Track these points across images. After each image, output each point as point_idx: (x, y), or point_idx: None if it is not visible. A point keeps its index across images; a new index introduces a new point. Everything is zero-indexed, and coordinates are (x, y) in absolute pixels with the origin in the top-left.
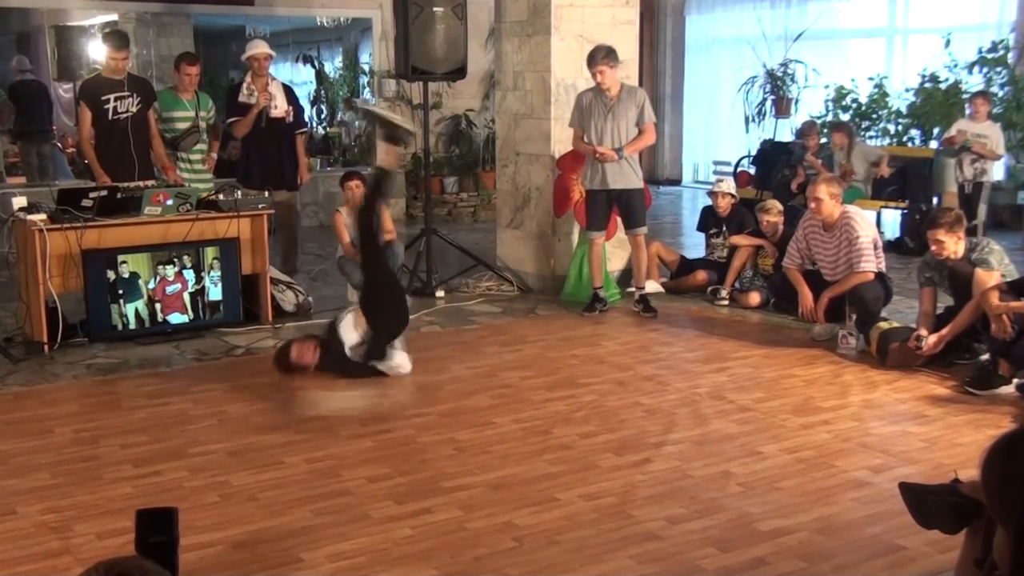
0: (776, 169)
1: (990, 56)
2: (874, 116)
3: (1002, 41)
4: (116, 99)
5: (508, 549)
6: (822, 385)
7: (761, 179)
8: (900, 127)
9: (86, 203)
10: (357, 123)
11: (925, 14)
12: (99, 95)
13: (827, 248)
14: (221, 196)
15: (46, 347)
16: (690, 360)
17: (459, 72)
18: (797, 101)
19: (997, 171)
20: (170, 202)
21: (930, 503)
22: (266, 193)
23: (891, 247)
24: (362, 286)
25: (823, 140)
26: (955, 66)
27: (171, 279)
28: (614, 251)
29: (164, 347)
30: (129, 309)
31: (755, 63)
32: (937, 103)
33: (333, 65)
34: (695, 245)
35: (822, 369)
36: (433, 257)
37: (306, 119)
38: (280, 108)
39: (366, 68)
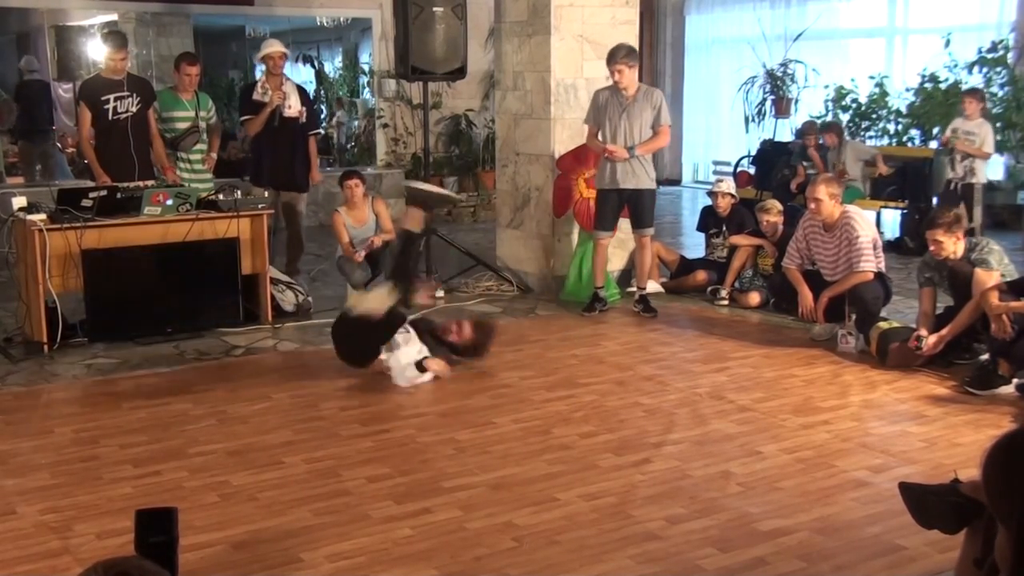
0: (776, 169)
1: (990, 56)
2: (874, 116)
3: (1002, 41)
4: (116, 99)
5: (508, 549)
6: (822, 385)
7: (761, 179)
8: (900, 127)
9: (86, 203)
10: (356, 123)
11: (925, 14)
12: (99, 95)
13: (827, 248)
14: (221, 196)
15: (46, 347)
16: (690, 360)
17: (459, 72)
18: (797, 101)
19: (994, 171)
20: (170, 202)
21: (930, 503)
22: (266, 193)
23: (891, 247)
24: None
25: (822, 140)
26: (955, 66)
27: None
28: (614, 251)
29: (164, 347)
30: None
31: (755, 63)
32: (937, 103)
33: (333, 65)
34: (695, 245)
35: (822, 369)
36: (433, 257)
37: (320, 120)
38: (294, 108)
39: (366, 68)
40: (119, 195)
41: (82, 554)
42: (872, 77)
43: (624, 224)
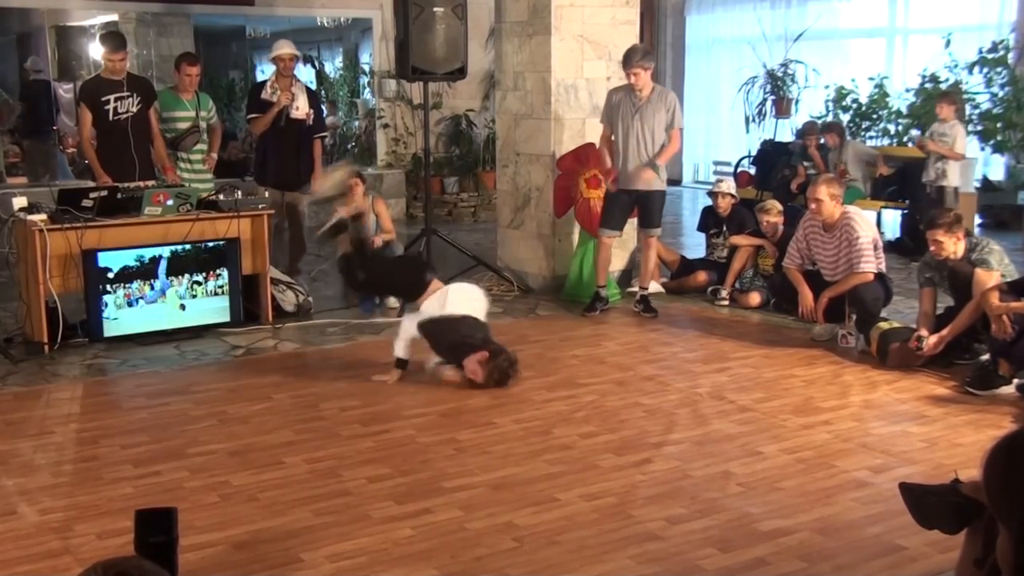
0: (776, 169)
1: (990, 56)
2: (874, 116)
3: (1002, 41)
4: (116, 99)
5: (508, 549)
6: (822, 385)
7: (761, 179)
8: (900, 127)
9: (86, 203)
10: (353, 124)
11: (925, 14)
12: (99, 96)
13: (827, 248)
14: (221, 196)
15: (46, 347)
16: (690, 360)
17: (459, 72)
18: (797, 101)
19: (994, 171)
20: (170, 202)
21: (930, 503)
22: (266, 193)
23: (891, 247)
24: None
25: (822, 140)
26: (955, 66)
27: None
28: (614, 251)
29: (164, 347)
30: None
31: (755, 63)
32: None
33: (333, 65)
34: (695, 245)
35: (822, 369)
36: (433, 257)
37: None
38: (301, 110)
39: (366, 68)
40: (120, 195)
41: (82, 554)
42: (872, 77)
43: (627, 224)
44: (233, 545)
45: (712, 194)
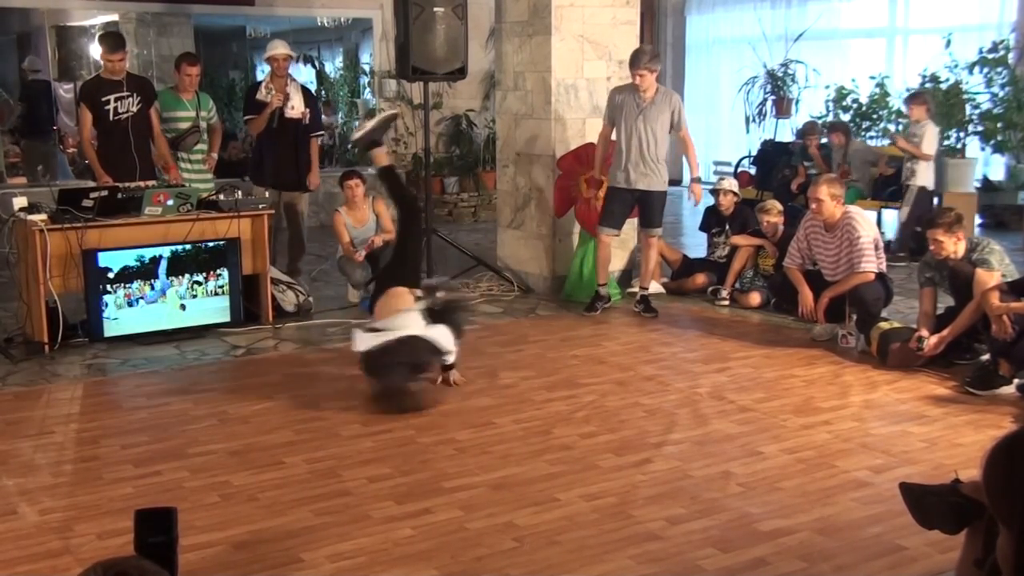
0: (776, 169)
1: (991, 56)
2: (875, 116)
3: (1003, 41)
4: (116, 99)
5: (509, 549)
6: (823, 385)
7: (761, 179)
8: (900, 127)
9: (87, 203)
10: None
11: (925, 14)
12: (99, 96)
13: (828, 248)
14: (222, 196)
15: (46, 347)
16: (690, 360)
17: (459, 72)
18: (798, 101)
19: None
20: (171, 202)
21: (930, 503)
22: (267, 193)
23: (891, 247)
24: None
25: (823, 140)
26: (956, 66)
27: None
28: (614, 251)
29: (164, 347)
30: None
31: (755, 63)
32: (938, 103)
33: (334, 65)
34: (695, 245)
35: (823, 369)
36: (434, 257)
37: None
38: (296, 109)
39: (367, 68)
40: (120, 195)
41: (83, 554)
42: (873, 77)
43: (627, 223)
44: (233, 545)
45: (715, 191)
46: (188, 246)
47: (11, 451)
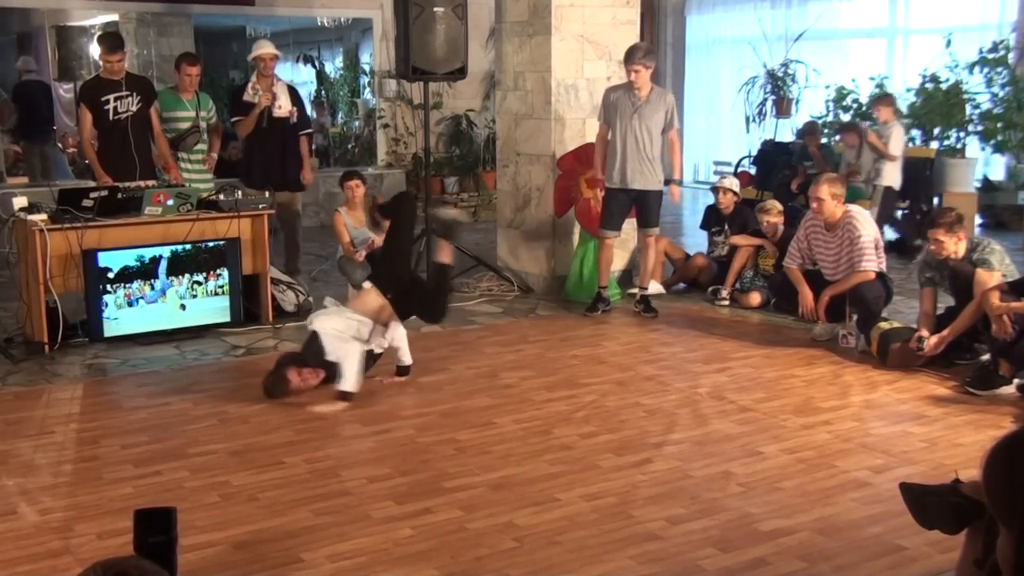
0: (776, 169)
1: (991, 56)
2: (875, 116)
3: (1003, 41)
4: (116, 99)
5: (509, 549)
6: (823, 385)
7: (762, 179)
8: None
9: (87, 203)
10: (357, 124)
11: (926, 14)
12: (98, 96)
13: (828, 248)
14: (222, 196)
15: (46, 347)
16: (691, 360)
17: (459, 72)
18: (798, 101)
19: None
20: (171, 202)
21: (930, 503)
22: (267, 193)
23: (892, 247)
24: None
25: (823, 140)
26: (956, 66)
27: None
28: (615, 251)
29: (164, 347)
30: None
31: (755, 63)
32: (938, 103)
33: (334, 65)
34: (696, 245)
35: (823, 369)
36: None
37: (310, 120)
38: (284, 108)
39: (367, 68)
40: (120, 195)
41: (83, 554)
42: (873, 77)
43: (625, 223)
44: (233, 545)
45: (715, 189)
46: (188, 246)
47: (11, 451)
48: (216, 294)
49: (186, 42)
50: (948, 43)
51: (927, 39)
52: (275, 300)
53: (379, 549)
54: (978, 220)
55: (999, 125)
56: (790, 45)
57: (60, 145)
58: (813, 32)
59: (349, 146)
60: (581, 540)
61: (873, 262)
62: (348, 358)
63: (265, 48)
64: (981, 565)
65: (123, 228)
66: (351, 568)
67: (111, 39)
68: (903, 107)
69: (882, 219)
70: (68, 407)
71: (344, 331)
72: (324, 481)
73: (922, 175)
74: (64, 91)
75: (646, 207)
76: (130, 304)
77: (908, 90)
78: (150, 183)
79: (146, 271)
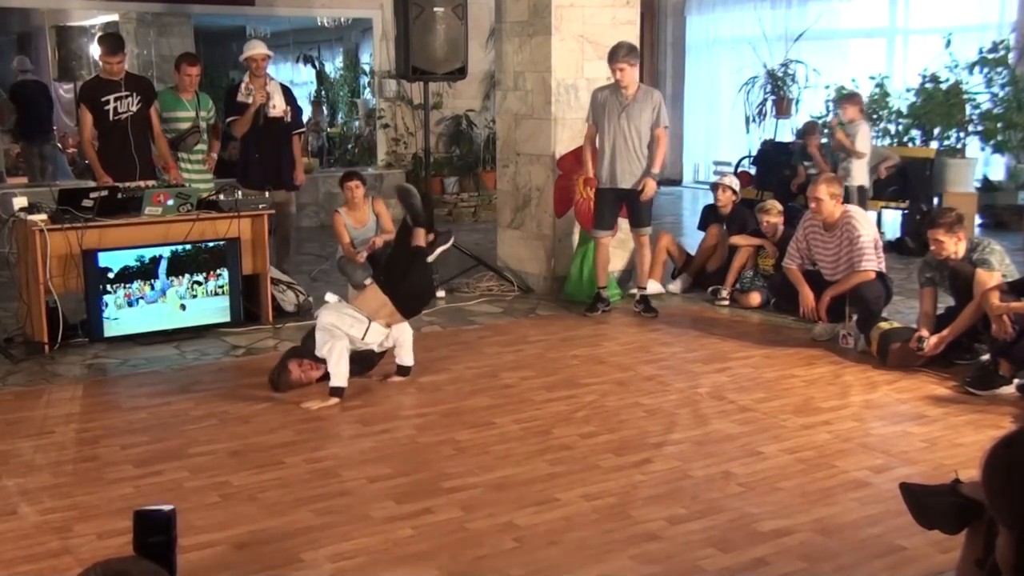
0: (776, 169)
1: (991, 56)
2: (875, 116)
3: (1003, 41)
4: (116, 100)
5: (509, 549)
6: (823, 385)
7: (761, 179)
8: (901, 127)
9: (87, 203)
10: (357, 124)
11: (926, 14)
12: (98, 96)
13: (827, 248)
14: (222, 196)
15: (46, 347)
16: (691, 360)
17: (459, 72)
18: (798, 101)
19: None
20: (171, 202)
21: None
22: (266, 193)
23: (891, 247)
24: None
25: (823, 140)
26: (956, 66)
27: None
28: (615, 251)
29: (164, 347)
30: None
31: (755, 63)
32: (938, 103)
33: (334, 65)
34: (696, 245)
35: (823, 369)
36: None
37: (304, 119)
38: (278, 108)
39: (367, 68)
40: (120, 195)
41: (83, 554)
42: (873, 77)
43: (625, 224)
44: (233, 545)
45: (714, 187)
46: (188, 246)
47: (11, 451)
48: (216, 294)
49: (186, 42)
50: (948, 43)
51: (927, 39)
52: (275, 300)
53: (379, 549)
54: (978, 220)
55: (999, 125)
56: (790, 45)
57: (60, 145)
58: (813, 32)
59: (349, 146)
60: (581, 540)
61: (873, 262)
62: (332, 354)
63: (256, 49)
64: (981, 565)
65: (123, 228)
66: (351, 568)
67: (112, 40)
68: (903, 107)
69: None
70: (68, 407)
71: (338, 327)
72: (324, 481)
73: (922, 175)
74: (64, 91)
75: (637, 206)
76: (130, 304)
77: (908, 90)
78: (150, 183)
79: (146, 271)
